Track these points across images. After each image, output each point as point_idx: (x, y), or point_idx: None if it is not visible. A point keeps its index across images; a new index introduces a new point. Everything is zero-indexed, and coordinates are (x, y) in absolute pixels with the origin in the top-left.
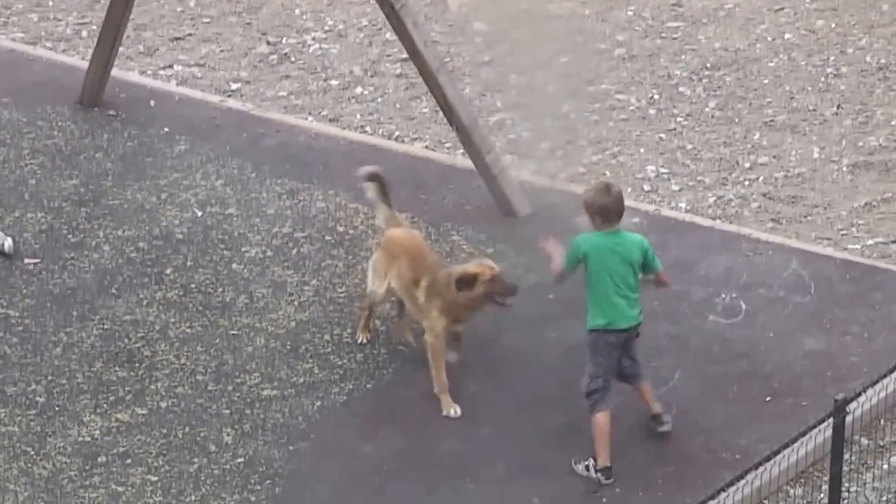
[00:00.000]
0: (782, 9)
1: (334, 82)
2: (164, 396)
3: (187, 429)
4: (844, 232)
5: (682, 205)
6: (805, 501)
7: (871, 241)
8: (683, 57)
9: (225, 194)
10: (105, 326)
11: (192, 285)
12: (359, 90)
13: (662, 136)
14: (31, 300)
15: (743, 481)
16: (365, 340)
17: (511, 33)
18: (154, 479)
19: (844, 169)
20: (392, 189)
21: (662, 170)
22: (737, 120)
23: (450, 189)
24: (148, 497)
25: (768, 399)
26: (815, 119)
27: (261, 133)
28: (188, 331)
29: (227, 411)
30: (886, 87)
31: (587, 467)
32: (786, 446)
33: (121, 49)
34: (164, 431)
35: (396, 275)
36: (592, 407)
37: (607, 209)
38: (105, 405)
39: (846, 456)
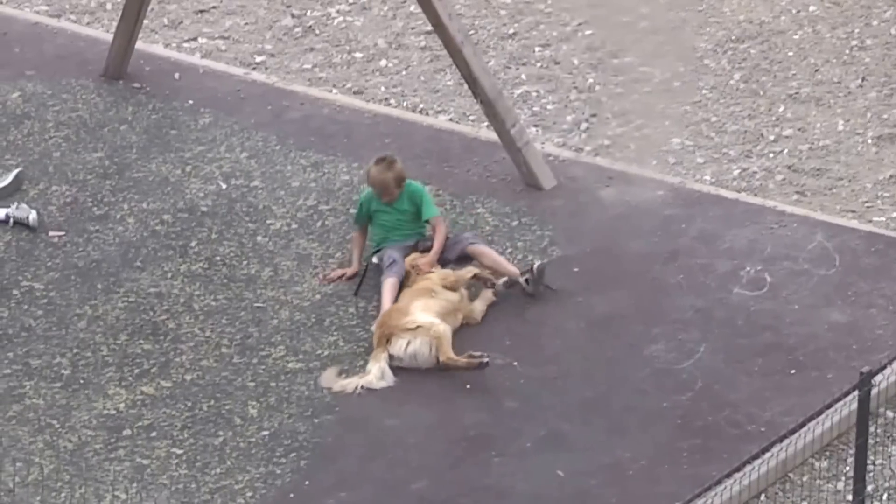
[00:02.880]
0: None
1: (358, 55)
2: (188, 369)
3: (212, 402)
4: (869, 204)
5: (707, 177)
6: (830, 474)
7: (895, 214)
8: (708, 29)
9: (249, 167)
10: (130, 299)
11: (217, 258)
12: (383, 63)
13: (687, 108)
14: (55, 273)
15: (768, 454)
16: None
17: (535, 6)
18: (179, 451)
19: (869, 141)
20: (415, 161)
21: (687, 142)
22: (761, 92)
23: (474, 162)
24: (173, 470)
25: (793, 372)
26: (840, 91)
27: (285, 106)
28: (213, 303)
29: (252, 384)
30: None
31: None
32: (811, 419)
33: (145, 22)
34: (189, 404)
35: None
36: None
37: None
38: (130, 378)
39: (871, 429)
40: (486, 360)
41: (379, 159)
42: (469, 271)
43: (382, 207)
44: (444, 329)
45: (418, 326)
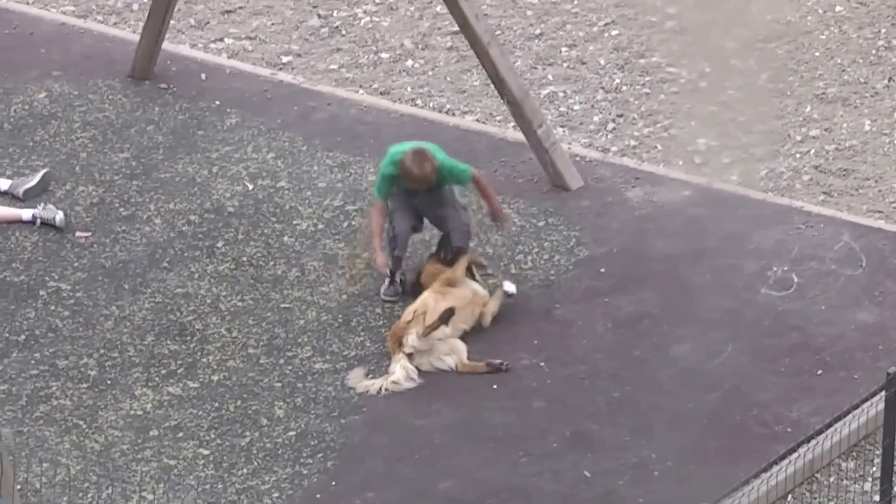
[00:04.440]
0: None
1: (385, 55)
2: (215, 370)
3: (239, 402)
4: None
5: (734, 177)
6: (857, 475)
7: None
8: (735, 30)
9: (276, 167)
10: (156, 300)
11: (244, 258)
12: (410, 63)
13: (714, 108)
14: (82, 273)
15: (795, 454)
16: None
17: (562, 6)
18: (206, 452)
19: None
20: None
21: (714, 143)
22: (788, 93)
23: (501, 162)
24: (200, 470)
25: (820, 372)
26: (867, 92)
27: (312, 106)
28: (239, 304)
29: (279, 385)
30: None
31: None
32: (838, 419)
33: (172, 22)
34: (216, 405)
35: None
36: None
37: None
38: (157, 378)
39: None
40: (498, 363)
41: (415, 153)
42: (464, 260)
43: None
44: (430, 304)
45: (414, 313)
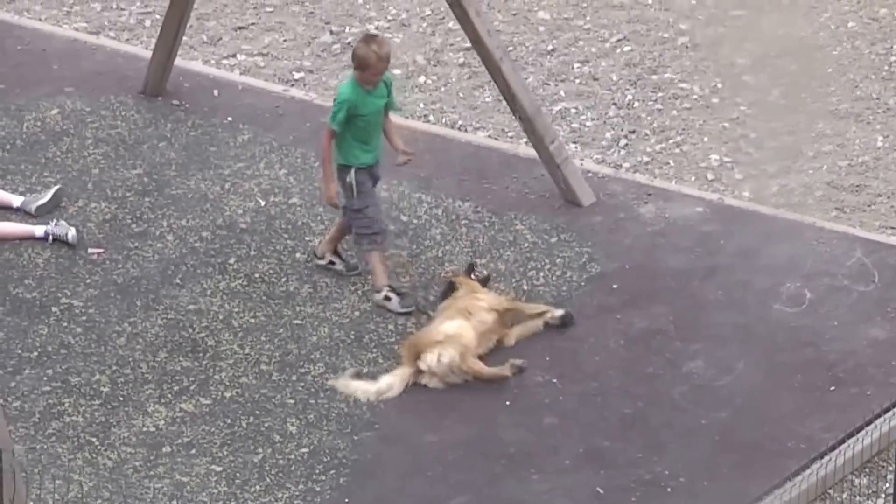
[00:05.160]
0: None
1: (397, 71)
2: (228, 386)
3: (251, 419)
4: None
5: (746, 193)
6: (870, 491)
7: None
8: (747, 45)
9: (288, 183)
10: (169, 316)
11: (256, 275)
12: (422, 79)
13: (726, 124)
14: (94, 290)
15: (808, 471)
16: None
17: (574, 22)
18: (218, 469)
19: None
20: (454, 177)
21: (726, 158)
22: (800, 108)
23: (513, 178)
24: (212, 487)
25: (833, 388)
26: (879, 107)
27: (324, 122)
28: (252, 320)
29: (292, 401)
30: None
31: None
32: (851, 435)
33: (184, 38)
34: (229, 421)
35: None
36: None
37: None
38: (169, 395)
39: None
40: (520, 363)
41: (369, 37)
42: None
43: (367, 104)
44: (470, 338)
45: (446, 336)
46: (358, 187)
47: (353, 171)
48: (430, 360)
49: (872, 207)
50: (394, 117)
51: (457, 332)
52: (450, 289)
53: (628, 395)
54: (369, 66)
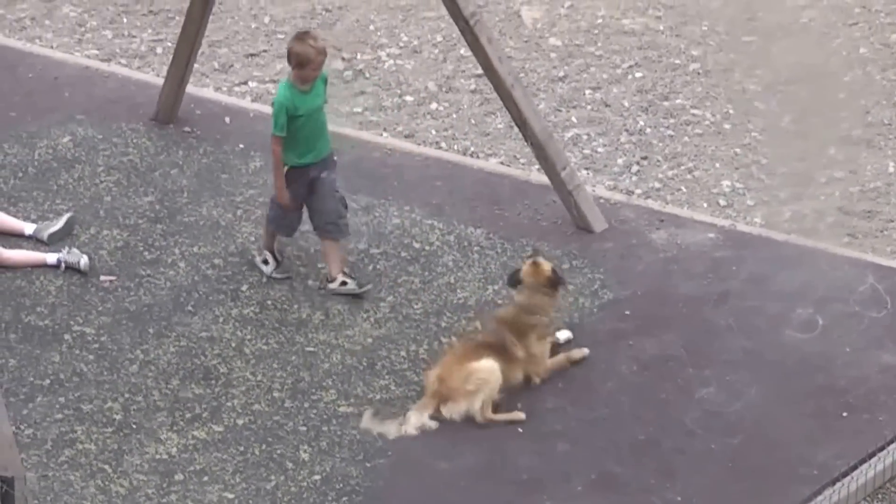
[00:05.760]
0: (857, 23)
1: (409, 98)
2: (240, 413)
3: (264, 446)
4: None
5: (758, 219)
6: None
7: None
8: (758, 71)
9: None
10: (181, 343)
11: (268, 302)
12: (434, 106)
13: (737, 150)
14: (106, 317)
15: (820, 497)
16: None
17: (586, 48)
18: (231, 496)
19: None
20: (466, 204)
21: (738, 184)
22: (812, 134)
23: (525, 205)
24: None
25: (844, 414)
26: (891, 133)
27: (335, 149)
28: (264, 347)
29: (304, 428)
30: None
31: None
32: (863, 462)
33: (196, 66)
34: (241, 449)
35: None
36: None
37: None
38: (182, 422)
39: None
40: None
41: (302, 34)
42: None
43: (305, 104)
44: (496, 383)
45: (476, 383)
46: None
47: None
48: (454, 411)
49: (884, 233)
50: (411, 146)
51: (486, 379)
52: (515, 278)
53: (640, 421)
54: (309, 61)
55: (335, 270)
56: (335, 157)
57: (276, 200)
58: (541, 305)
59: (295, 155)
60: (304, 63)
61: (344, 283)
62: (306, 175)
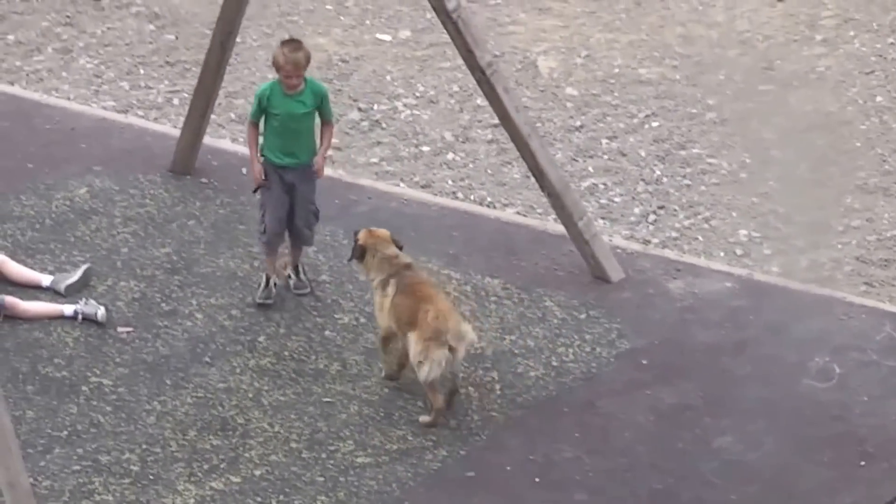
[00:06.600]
0: (873, 72)
1: (426, 148)
2: (258, 464)
3: (281, 497)
4: None
5: (775, 268)
6: None
7: None
8: (775, 120)
9: (317, 261)
10: (198, 394)
11: (285, 352)
12: (450, 156)
13: (755, 199)
14: (124, 369)
15: None
16: None
17: (602, 98)
18: None
19: None
20: (483, 254)
21: (755, 233)
22: (828, 183)
23: (542, 254)
24: None
25: (863, 463)
26: None
27: (352, 199)
28: (281, 398)
29: (321, 479)
30: None
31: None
32: None
33: (212, 117)
34: (259, 500)
35: None
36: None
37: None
38: (199, 473)
39: None
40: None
41: (285, 41)
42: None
43: (283, 105)
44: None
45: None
46: (265, 178)
47: (263, 160)
48: (468, 332)
49: None
50: (428, 196)
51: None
52: (361, 252)
53: (658, 471)
54: (279, 67)
55: (287, 266)
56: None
57: (260, 224)
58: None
59: (272, 153)
60: (276, 68)
61: (289, 277)
62: (284, 176)
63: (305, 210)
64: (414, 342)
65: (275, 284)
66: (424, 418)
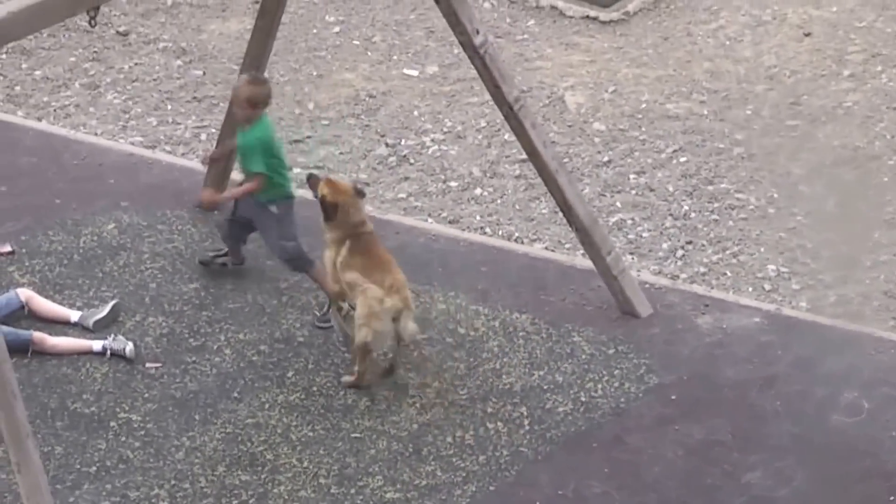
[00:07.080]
0: None
1: (453, 184)
2: (287, 500)
3: None
4: None
5: (803, 304)
6: None
7: None
8: (802, 155)
9: None
10: (227, 430)
11: (314, 388)
12: (478, 191)
13: (782, 234)
14: (152, 404)
15: None
16: None
17: (630, 133)
18: None
19: None
20: (511, 289)
21: (783, 269)
22: (856, 218)
23: (570, 290)
24: None
25: (892, 499)
26: None
27: (380, 235)
28: (310, 434)
29: None
30: None
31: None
32: None
33: None
34: None
35: None
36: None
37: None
38: None
39: None
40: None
41: (251, 75)
42: None
43: (239, 137)
44: None
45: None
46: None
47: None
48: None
49: None
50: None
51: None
52: (332, 210)
53: None
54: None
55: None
56: (269, 207)
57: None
58: None
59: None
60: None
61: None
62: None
63: (269, 246)
64: (361, 304)
65: (224, 265)
66: (346, 378)
